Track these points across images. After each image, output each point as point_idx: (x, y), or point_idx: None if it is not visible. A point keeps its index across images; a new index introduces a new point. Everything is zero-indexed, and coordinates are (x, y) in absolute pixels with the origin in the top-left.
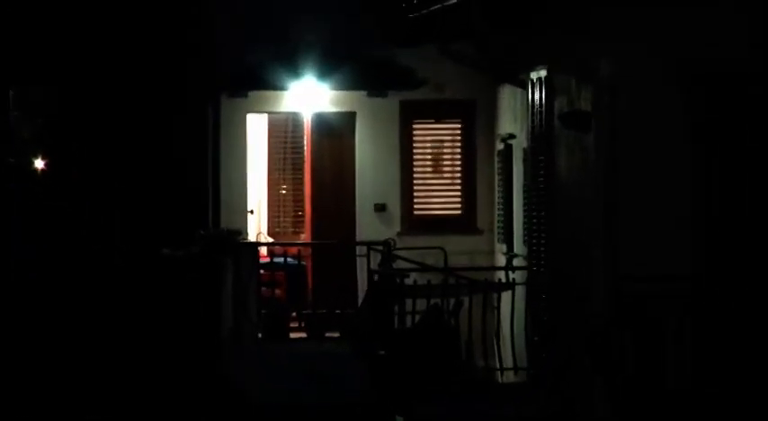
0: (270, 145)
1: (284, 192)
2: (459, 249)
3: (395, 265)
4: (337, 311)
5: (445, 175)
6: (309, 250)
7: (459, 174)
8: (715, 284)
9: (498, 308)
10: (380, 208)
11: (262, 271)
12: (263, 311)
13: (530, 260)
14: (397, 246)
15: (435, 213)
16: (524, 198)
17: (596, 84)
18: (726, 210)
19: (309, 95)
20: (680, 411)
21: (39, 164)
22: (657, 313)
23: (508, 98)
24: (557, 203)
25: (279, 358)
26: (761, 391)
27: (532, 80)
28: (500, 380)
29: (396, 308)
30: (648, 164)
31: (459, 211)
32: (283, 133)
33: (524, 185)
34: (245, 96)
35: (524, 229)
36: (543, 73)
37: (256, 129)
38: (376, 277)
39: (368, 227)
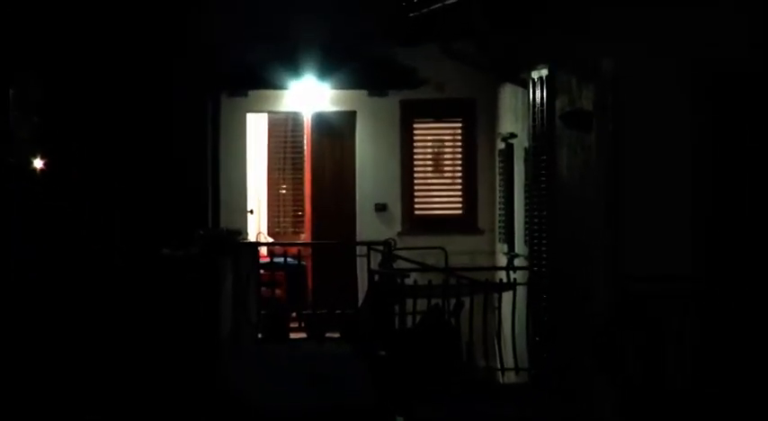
0: (270, 144)
1: (284, 191)
2: (459, 249)
3: (395, 265)
4: (337, 312)
5: (446, 175)
6: (309, 250)
7: (459, 174)
8: (717, 284)
9: (499, 308)
10: (381, 207)
11: (261, 271)
12: (262, 312)
13: (531, 260)
14: (398, 246)
15: (436, 213)
16: (525, 198)
17: (598, 83)
18: (728, 210)
19: (309, 95)
20: (682, 411)
21: (39, 164)
22: (659, 313)
23: (509, 97)
24: (558, 203)
25: (278, 359)
26: (763, 391)
27: (534, 79)
28: (501, 380)
29: (396, 308)
30: (650, 163)
31: (459, 211)
32: (283, 132)
33: (525, 185)
34: (245, 95)
35: (525, 229)
36: (544, 72)
37: (256, 128)
38: (376, 277)
39: (368, 227)
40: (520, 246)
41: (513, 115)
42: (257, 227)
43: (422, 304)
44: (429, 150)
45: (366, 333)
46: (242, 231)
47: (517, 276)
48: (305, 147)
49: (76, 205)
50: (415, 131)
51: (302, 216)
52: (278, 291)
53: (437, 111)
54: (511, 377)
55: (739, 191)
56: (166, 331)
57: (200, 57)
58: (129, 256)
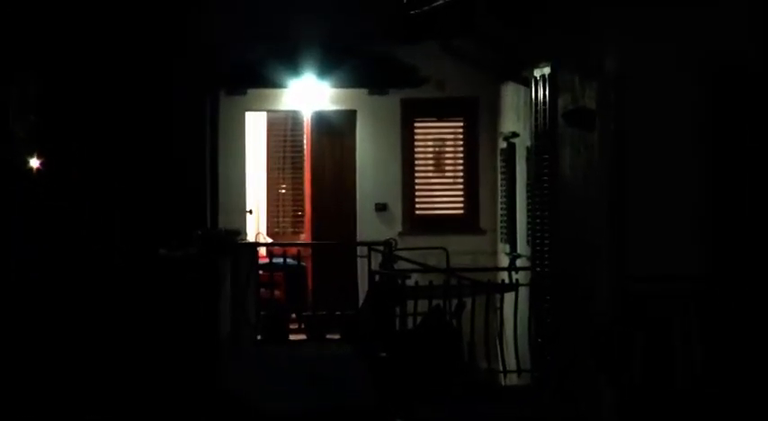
0: (269, 144)
1: (283, 191)
2: (461, 249)
3: (396, 266)
4: (338, 313)
5: (447, 174)
6: (309, 250)
7: (461, 173)
8: (721, 284)
9: (501, 309)
10: (381, 207)
11: (261, 271)
12: (261, 313)
13: (533, 260)
14: (399, 246)
15: (437, 213)
16: (528, 197)
17: (601, 81)
18: (733, 208)
19: (309, 93)
20: (686, 411)
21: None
22: (663, 313)
23: (511, 96)
24: (561, 203)
25: (278, 360)
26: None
27: (536, 77)
28: (503, 382)
29: (397, 309)
30: (654, 162)
31: (461, 211)
32: (283, 132)
33: (528, 184)
34: (244, 94)
35: (528, 229)
36: (547, 70)
37: (255, 127)
38: (377, 278)
39: (369, 227)
40: (522, 247)
41: (515, 114)
42: (256, 227)
43: (423, 305)
44: (430, 149)
45: (366, 334)
46: (241, 231)
47: (519, 277)
48: (304, 147)
49: (76, 205)
50: (416, 130)
51: (302, 216)
52: (277, 292)
53: (438, 110)
54: (513, 379)
55: (744, 189)
56: (166, 331)
57: (200, 56)
58: (129, 256)
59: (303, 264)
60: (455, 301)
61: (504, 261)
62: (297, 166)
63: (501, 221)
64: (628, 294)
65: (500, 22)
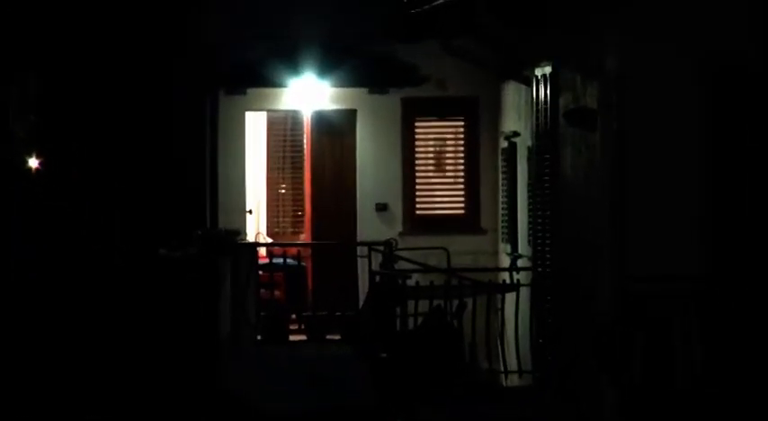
0: (269, 143)
1: (283, 191)
2: (462, 249)
3: (397, 266)
4: (338, 313)
5: (448, 174)
6: (309, 251)
7: (462, 173)
8: (722, 284)
9: (502, 309)
10: (382, 207)
11: (261, 272)
12: (261, 313)
13: (534, 261)
14: (399, 246)
15: (438, 213)
16: (529, 197)
17: (602, 80)
18: (734, 209)
19: (309, 93)
20: (686, 411)
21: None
22: (663, 313)
23: (512, 95)
24: (562, 202)
25: (278, 361)
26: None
27: (537, 77)
28: (504, 382)
29: (398, 309)
30: (656, 162)
31: (462, 211)
32: (282, 131)
33: (529, 184)
34: (244, 94)
35: (529, 229)
36: (548, 69)
37: (255, 127)
38: (377, 278)
39: (369, 227)
40: (523, 247)
41: (516, 113)
42: (256, 227)
43: (423, 305)
44: (431, 149)
45: (367, 334)
46: (240, 231)
47: (520, 277)
48: (304, 146)
49: (76, 205)
50: (417, 130)
51: (302, 216)
52: (277, 293)
53: (439, 110)
54: (514, 379)
55: (744, 189)
56: (166, 331)
57: (200, 56)
58: (129, 256)
59: (303, 264)
60: (456, 302)
61: (505, 261)
62: (297, 166)
63: (502, 221)
64: (628, 294)
65: (500, 21)
